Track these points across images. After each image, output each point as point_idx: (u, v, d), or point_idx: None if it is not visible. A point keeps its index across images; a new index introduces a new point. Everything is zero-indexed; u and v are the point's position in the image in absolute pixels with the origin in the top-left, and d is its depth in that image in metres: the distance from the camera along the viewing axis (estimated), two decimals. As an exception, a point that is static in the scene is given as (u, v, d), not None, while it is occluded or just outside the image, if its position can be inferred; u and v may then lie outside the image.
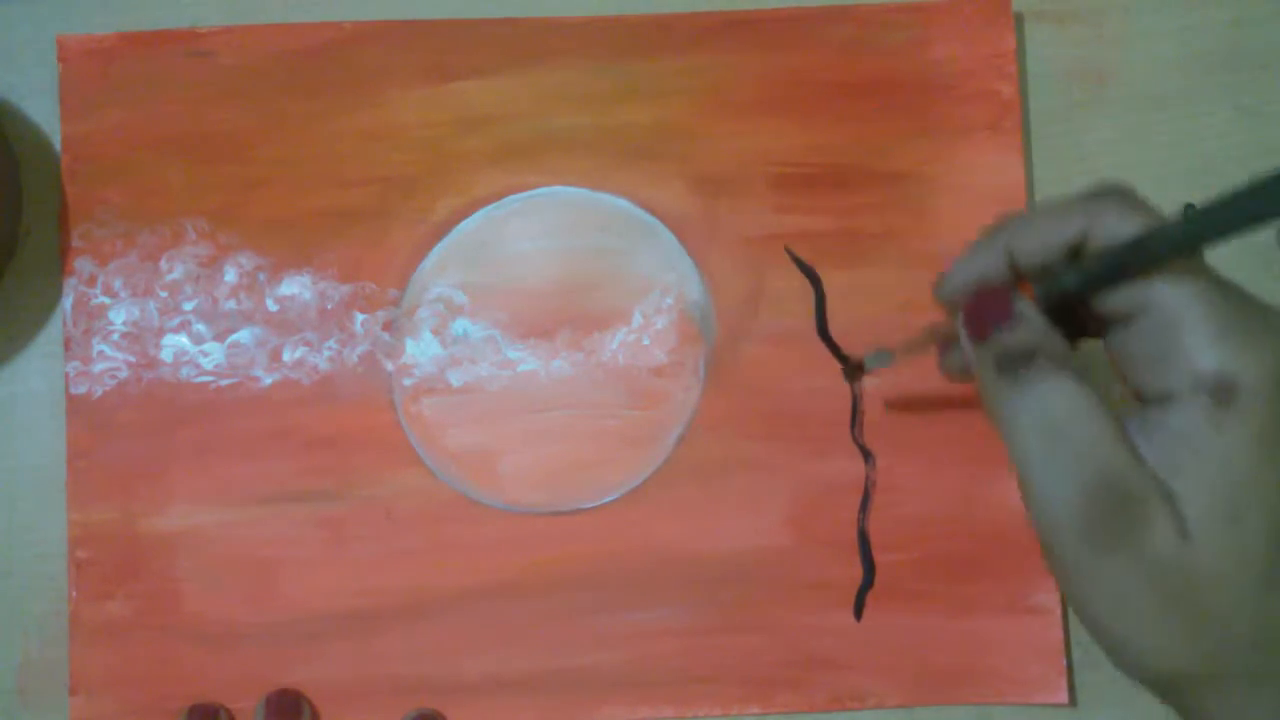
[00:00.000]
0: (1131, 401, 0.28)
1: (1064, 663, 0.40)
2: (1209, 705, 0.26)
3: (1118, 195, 0.27)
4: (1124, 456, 0.25)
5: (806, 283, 0.41)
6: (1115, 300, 0.27)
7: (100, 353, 0.41)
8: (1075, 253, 0.28)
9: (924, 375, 0.41)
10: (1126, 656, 0.26)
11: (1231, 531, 0.24)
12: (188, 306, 0.41)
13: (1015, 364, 0.27)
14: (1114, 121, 0.42)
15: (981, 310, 0.28)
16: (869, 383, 0.41)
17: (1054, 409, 0.26)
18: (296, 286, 0.41)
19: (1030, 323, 0.27)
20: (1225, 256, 0.42)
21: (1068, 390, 0.26)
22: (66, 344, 0.41)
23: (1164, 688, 0.27)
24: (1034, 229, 0.28)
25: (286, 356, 0.41)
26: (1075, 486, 0.26)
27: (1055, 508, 0.26)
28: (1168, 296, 0.25)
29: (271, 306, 0.41)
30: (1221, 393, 0.24)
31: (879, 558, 0.40)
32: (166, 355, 0.41)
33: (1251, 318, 0.25)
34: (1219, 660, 0.25)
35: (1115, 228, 0.26)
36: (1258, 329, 0.25)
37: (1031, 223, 0.28)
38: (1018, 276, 0.29)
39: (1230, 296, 0.25)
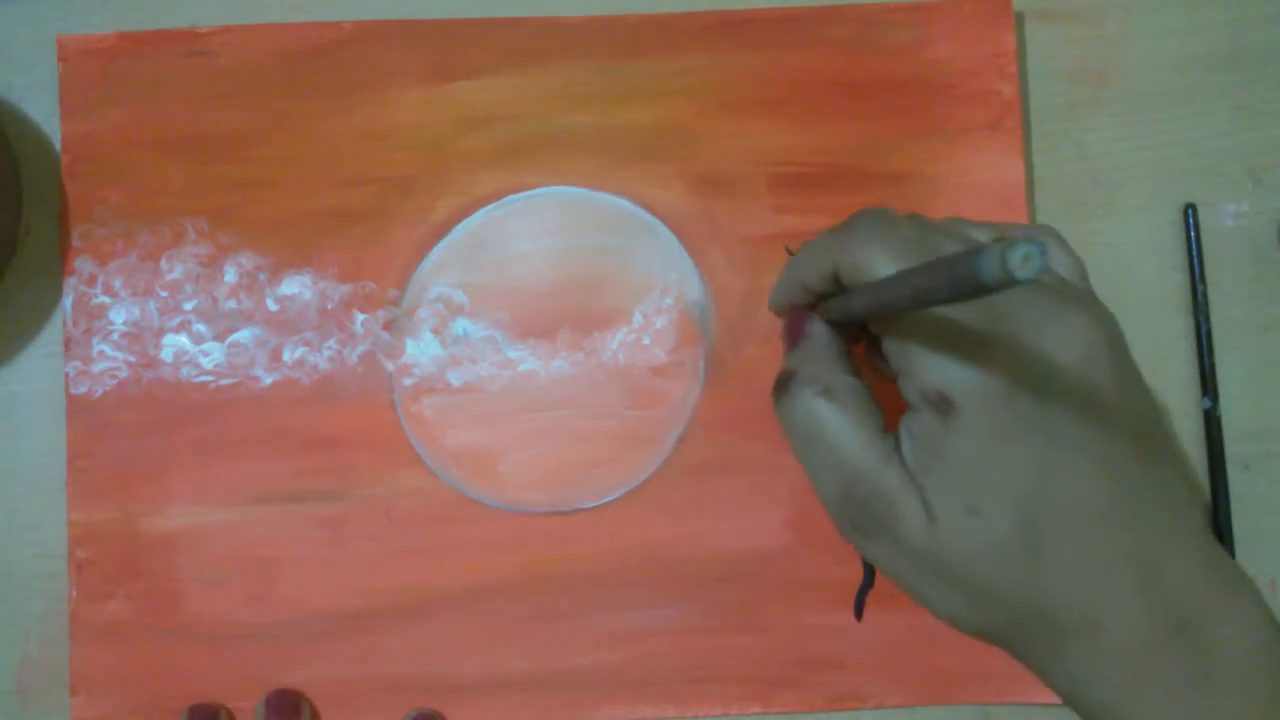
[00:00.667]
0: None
1: (1064, 663, 0.40)
2: (1024, 658, 0.29)
3: (862, 230, 0.30)
4: (871, 460, 0.29)
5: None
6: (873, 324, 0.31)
7: (100, 352, 0.41)
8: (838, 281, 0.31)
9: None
10: (938, 616, 0.30)
11: (972, 521, 0.27)
12: (188, 306, 0.41)
13: (782, 380, 0.31)
14: (1114, 121, 0.42)
15: (790, 327, 0.33)
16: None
17: (805, 422, 0.30)
18: (296, 286, 0.41)
19: (811, 342, 0.32)
20: (1225, 256, 0.42)
21: (816, 408, 0.30)
22: (66, 344, 0.41)
23: (986, 640, 0.29)
24: (806, 260, 0.32)
25: (286, 356, 0.41)
26: (834, 485, 0.30)
27: (825, 501, 0.30)
28: (896, 325, 0.29)
29: (271, 306, 0.41)
30: (942, 405, 0.27)
31: None
32: (166, 355, 0.41)
33: (965, 339, 0.28)
34: (1004, 625, 0.28)
35: (852, 269, 0.30)
36: (970, 349, 0.27)
37: (805, 253, 0.32)
38: (814, 299, 0.33)
39: (950, 321, 0.28)
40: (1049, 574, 0.27)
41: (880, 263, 0.28)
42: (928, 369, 0.28)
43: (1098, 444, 0.27)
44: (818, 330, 0.32)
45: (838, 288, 0.31)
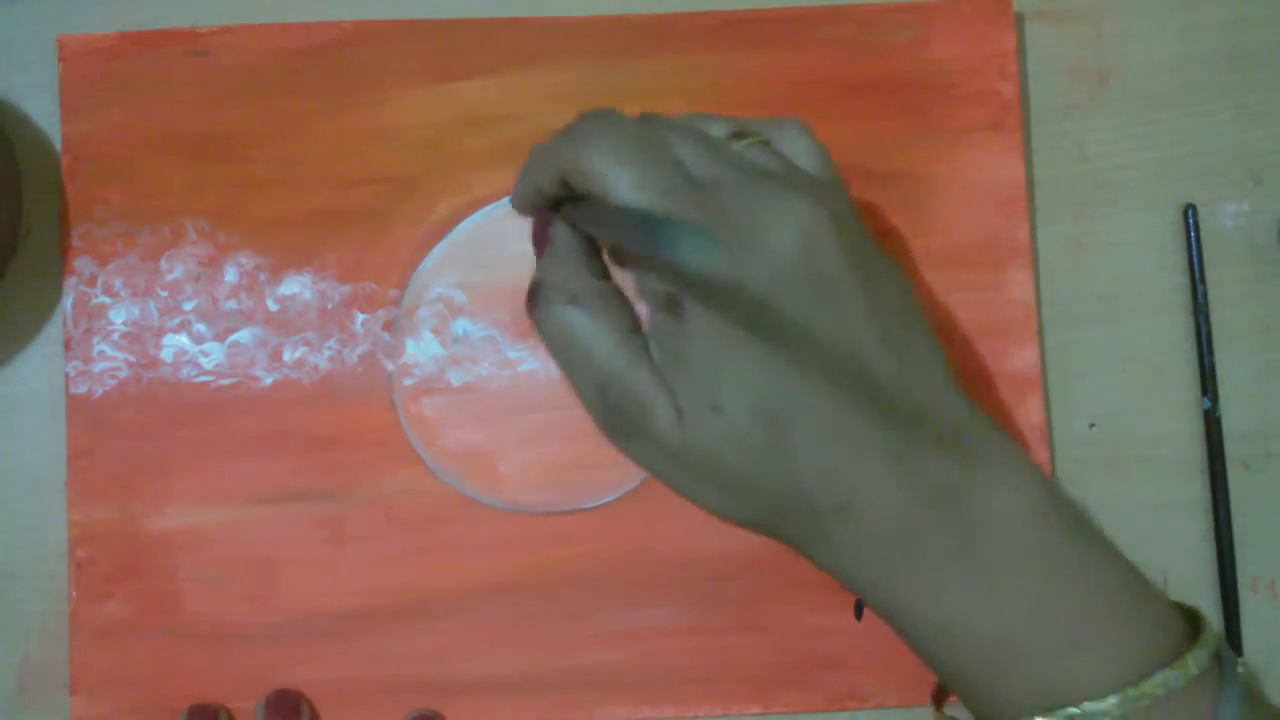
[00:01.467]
0: None
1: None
2: (793, 544, 0.30)
3: (584, 131, 0.29)
4: (621, 362, 0.29)
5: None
6: None
7: (100, 352, 0.41)
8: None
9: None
10: (705, 510, 0.30)
11: (716, 418, 0.28)
12: (188, 306, 0.41)
13: (532, 290, 0.31)
14: (1114, 121, 0.42)
15: (536, 233, 0.32)
16: None
17: (556, 329, 0.30)
18: (296, 286, 0.41)
19: (556, 249, 0.31)
20: (1225, 256, 0.42)
21: (566, 315, 0.30)
22: (66, 344, 0.41)
23: (755, 530, 0.30)
24: (536, 161, 0.31)
25: (286, 356, 0.41)
26: (589, 389, 0.30)
27: (583, 405, 0.30)
28: None
29: (271, 306, 0.41)
30: (673, 307, 0.28)
31: None
32: (166, 355, 0.41)
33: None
34: (765, 515, 0.29)
35: (576, 172, 0.29)
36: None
37: (535, 154, 0.31)
38: (552, 202, 0.32)
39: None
40: (795, 463, 0.27)
41: (601, 165, 0.28)
42: (653, 272, 0.28)
43: (830, 331, 0.27)
44: (561, 235, 0.32)
45: (569, 191, 0.30)
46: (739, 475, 0.28)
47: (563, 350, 0.30)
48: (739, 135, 0.31)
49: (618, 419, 0.29)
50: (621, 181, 0.28)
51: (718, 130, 0.31)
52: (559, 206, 0.32)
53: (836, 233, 0.27)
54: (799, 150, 0.31)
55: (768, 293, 0.27)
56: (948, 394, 0.29)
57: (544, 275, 0.31)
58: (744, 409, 0.27)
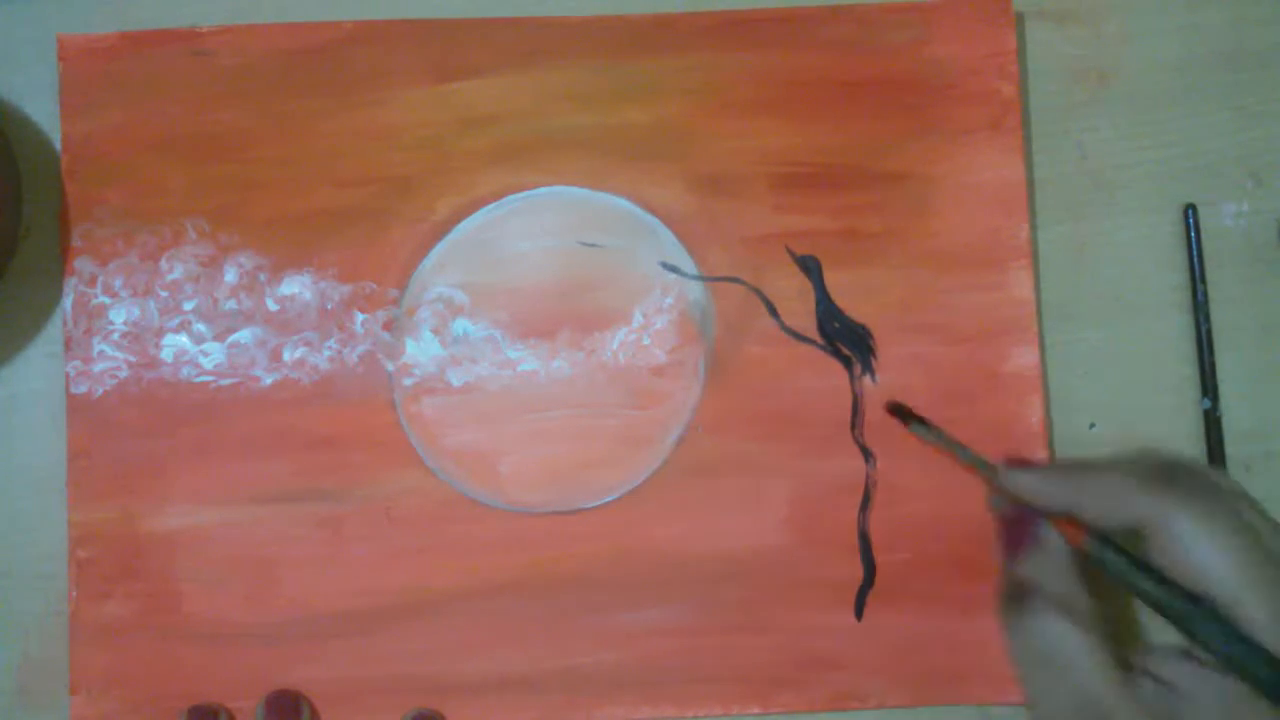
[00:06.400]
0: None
1: (1064, 663, 0.40)
2: None
3: (1190, 499, 0.29)
4: (1108, 686, 0.29)
5: (806, 282, 0.41)
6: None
7: (100, 352, 0.41)
8: (1135, 534, 0.31)
9: (924, 376, 0.41)
10: None
11: None
12: (188, 306, 0.41)
13: (1018, 593, 0.31)
14: (1114, 121, 0.42)
15: (1013, 530, 0.32)
16: (870, 388, 0.41)
17: (1042, 643, 0.30)
18: (296, 286, 0.41)
19: (1049, 556, 0.31)
20: (1225, 256, 0.42)
21: (1057, 631, 0.30)
22: (66, 344, 0.41)
23: None
24: (1099, 498, 0.31)
25: (286, 356, 0.41)
26: (1063, 708, 0.30)
27: (1043, 718, 0.31)
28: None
29: (271, 306, 0.41)
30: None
31: (879, 558, 0.40)
32: (167, 355, 0.41)
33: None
34: None
35: (1173, 549, 0.29)
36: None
37: (1099, 491, 0.31)
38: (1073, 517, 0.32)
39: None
40: None
41: (1213, 550, 0.29)
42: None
43: None
44: (1055, 542, 0.32)
45: (1118, 531, 0.31)
46: None
47: (1042, 659, 0.30)
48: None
49: None
50: (1226, 562, 0.29)
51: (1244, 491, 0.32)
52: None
53: None
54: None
55: None
56: None
57: (1035, 579, 0.31)
58: None
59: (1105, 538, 0.31)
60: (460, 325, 0.41)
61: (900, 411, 0.38)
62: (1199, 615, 0.29)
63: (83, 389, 0.40)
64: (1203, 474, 0.31)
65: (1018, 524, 0.33)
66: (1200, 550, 0.29)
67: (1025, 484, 0.33)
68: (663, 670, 0.40)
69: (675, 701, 0.40)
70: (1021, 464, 0.34)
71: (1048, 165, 0.42)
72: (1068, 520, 0.32)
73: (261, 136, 0.41)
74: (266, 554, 0.40)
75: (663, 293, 0.41)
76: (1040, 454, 0.41)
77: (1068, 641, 0.30)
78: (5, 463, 0.41)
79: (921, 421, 0.37)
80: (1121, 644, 0.31)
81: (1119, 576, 0.31)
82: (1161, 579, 0.30)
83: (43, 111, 0.42)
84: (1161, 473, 0.31)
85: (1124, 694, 0.29)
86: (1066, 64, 0.43)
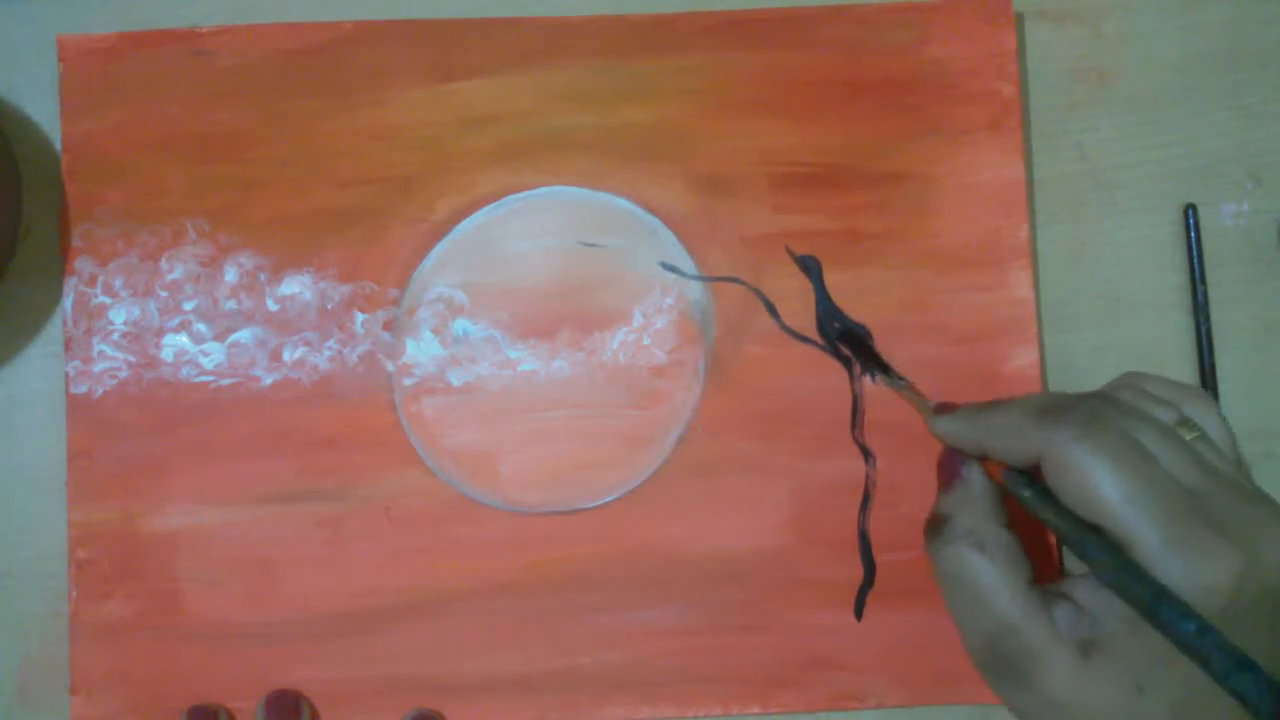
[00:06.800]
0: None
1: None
2: None
3: (1080, 430, 0.30)
4: (1018, 614, 0.31)
5: (806, 282, 0.41)
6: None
7: (100, 352, 0.41)
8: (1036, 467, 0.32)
9: (924, 376, 0.41)
10: None
11: (1133, 697, 0.29)
12: (188, 306, 0.41)
13: (936, 523, 0.33)
14: (1114, 121, 0.42)
15: (945, 463, 0.35)
16: (870, 388, 0.41)
17: (956, 569, 0.32)
18: (296, 286, 0.41)
19: (967, 490, 0.33)
20: (1225, 256, 0.42)
21: (968, 558, 0.32)
22: (66, 344, 0.41)
23: None
24: (1002, 430, 0.33)
25: (286, 356, 0.41)
26: (978, 634, 0.32)
27: (967, 643, 0.32)
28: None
29: (271, 306, 0.41)
30: (1139, 606, 0.29)
31: (879, 558, 0.40)
32: (167, 355, 0.41)
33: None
34: None
35: (1059, 468, 0.30)
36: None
37: (1001, 422, 0.33)
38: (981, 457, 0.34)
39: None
40: None
41: (1088, 464, 0.29)
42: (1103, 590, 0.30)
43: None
44: (976, 477, 0.34)
45: (1026, 467, 0.32)
46: None
47: (957, 590, 0.32)
48: (1180, 423, 0.32)
49: (1005, 668, 0.31)
50: (1112, 490, 0.29)
51: (1162, 415, 0.32)
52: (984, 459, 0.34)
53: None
54: (1209, 427, 0.33)
55: (1237, 612, 0.28)
56: None
57: (950, 512, 0.33)
58: (1166, 702, 0.29)
59: (1020, 473, 0.33)
60: (460, 325, 0.41)
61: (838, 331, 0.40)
62: (1093, 544, 0.30)
63: (83, 389, 0.40)
64: (1096, 403, 0.32)
65: (947, 461, 0.35)
66: (1091, 481, 0.29)
67: (944, 428, 0.35)
68: (663, 670, 0.40)
69: (675, 701, 0.40)
70: (947, 408, 0.36)
71: (1048, 165, 0.42)
72: (985, 459, 0.34)
73: (261, 136, 0.41)
74: (266, 554, 0.40)
75: (663, 293, 0.41)
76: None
77: (978, 568, 0.31)
78: (5, 463, 0.41)
79: (878, 361, 0.40)
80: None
81: (1031, 509, 0.32)
82: (1063, 510, 0.31)
83: (43, 111, 0.42)
84: (1054, 406, 0.32)
85: (1039, 618, 0.30)
86: (1066, 64, 0.43)
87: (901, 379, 0.40)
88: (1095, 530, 0.30)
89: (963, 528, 0.32)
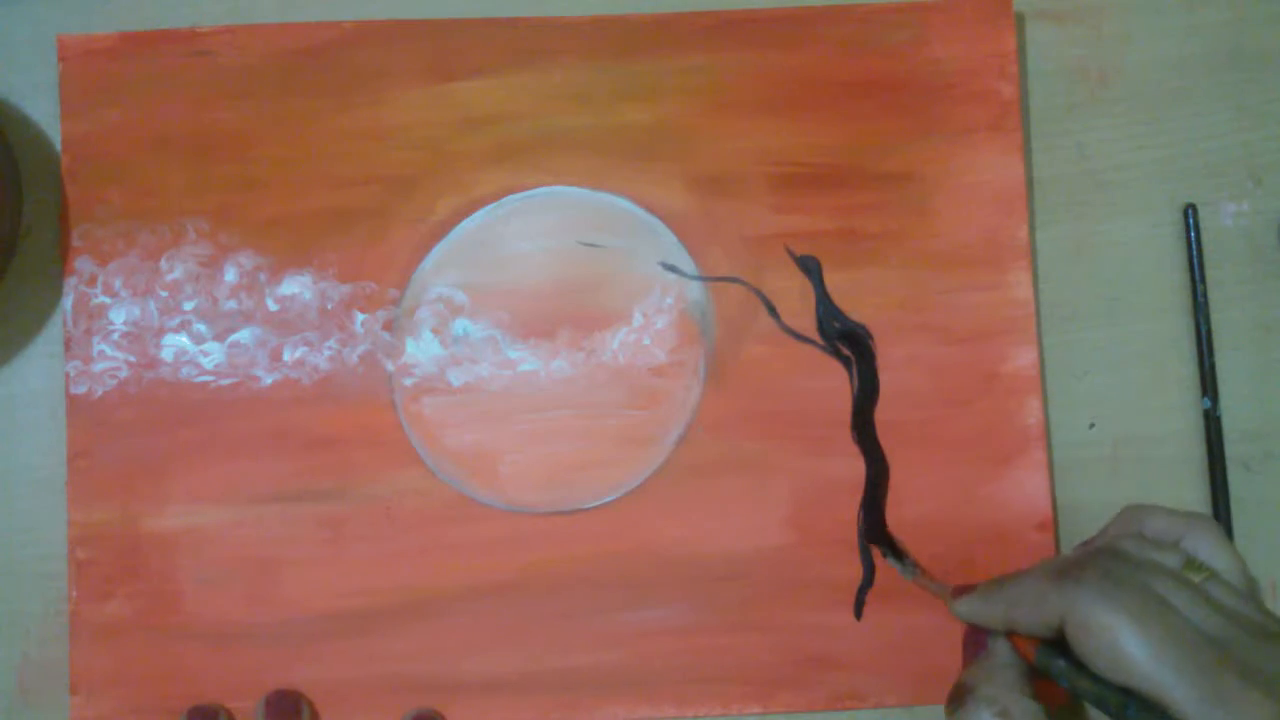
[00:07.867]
0: None
1: (1064, 663, 0.40)
2: None
3: (1099, 590, 0.30)
4: None
5: (807, 282, 0.41)
6: None
7: (100, 352, 0.41)
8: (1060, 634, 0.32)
9: (924, 376, 0.41)
10: None
11: None
12: (188, 306, 0.41)
13: (960, 694, 0.33)
14: (1114, 121, 0.42)
15: (970, 639, 0.35)
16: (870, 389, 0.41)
17: None
18: (296, 286, 0.41)
19: (992, 661, 0.33)
20: (1225, 256, 0.42)
21: None
22: (66, 344, 0.41)
23: None
24: (1023, 601, 0.33)
25: (286, 356, 0.41)
26: None
27: None
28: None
29: (271, 306, 0.41)
30: None
31: (879, 558, 0.40)
32: (167, 355, 0.41)
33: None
34: None
35: (1094, 643, 0.30)
36: None
37: (1022, 600, 0.33)
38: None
39: None
40: None
41: (1111, 624, 0.30)
42: None
43: None
44: (1001, 649, 0.34)
45: (1054, 636, 0.32)
46: None
47: None
48: (1188, 565, 0.33)
49: None
50: (1139, 650, 0.29)
51: (1170, 561, 0.33)
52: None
53: None
54: (1218, 560, 0.33)
55: None
56: None
57: (975, 683, 0.33)
58: None
59: (1051, 646, 0.32)
60: (460, 325, 0.41)
61: (880, 538, 0.41)
62: (1131, 707, 0.30)
63: (83, 389, 0.40)
64: (1108, 561, 0.32)
65: (971, 637, 0.36)
66: (1118, 641, 0.30)
67: (966, 609, 0.35)
68: (663, 670, 0.40)
69: (675, 701, 0.40)
70: (966, 591, 0.35)
71: (1048, 165, 0.42)
72: (1010, 633, 0.34)
73: (261, 136, 0.41)
74: (266, 554, 0.40)
75: (663, 293, 0.41)
76: (1040, 454, 0.41)
77: None
78: (5, 463, 0.41)
79: (894, 548, 0.40)
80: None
81: (1066, 681, 0.32)
82: (1098, 678, 0.31)
83: (43, 111, 0.42)
84: (1069, 567, 0.32)
85: None
86: (1066, 64, 0.43)
87: (915, 567, 0.40)
88: (1129, 693, 0.30)
89: (986, 697, 0.32)
